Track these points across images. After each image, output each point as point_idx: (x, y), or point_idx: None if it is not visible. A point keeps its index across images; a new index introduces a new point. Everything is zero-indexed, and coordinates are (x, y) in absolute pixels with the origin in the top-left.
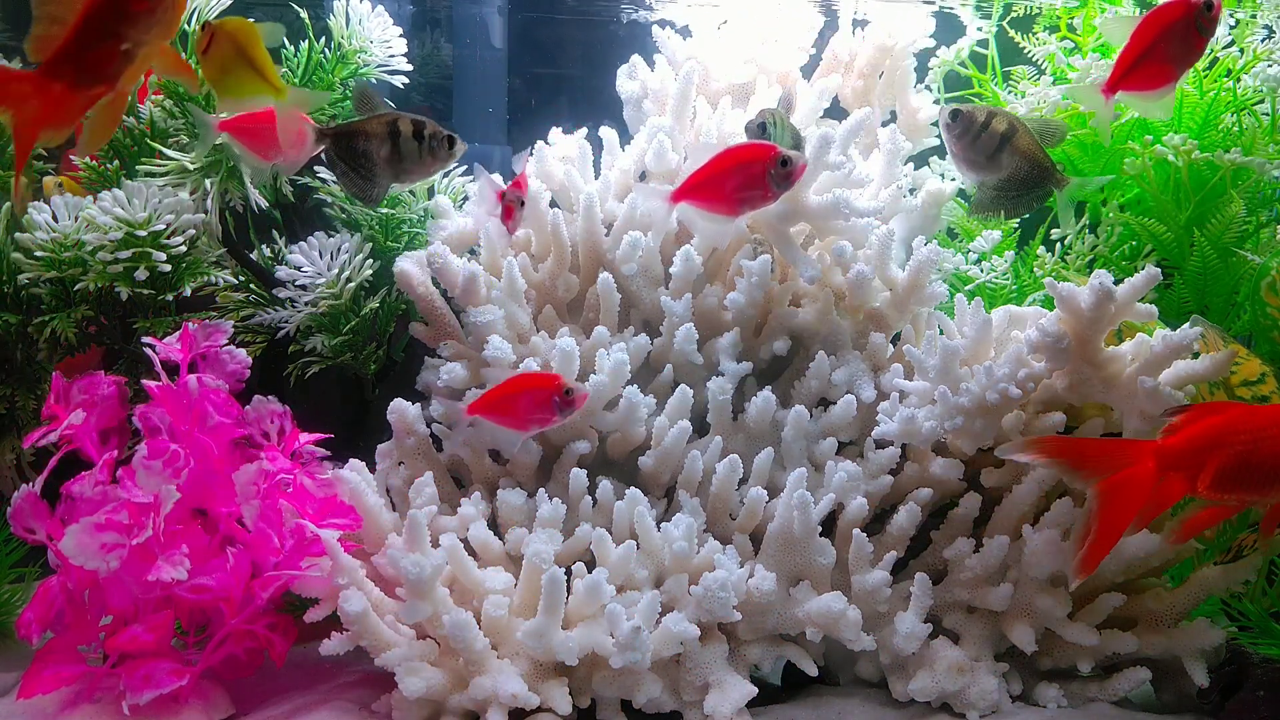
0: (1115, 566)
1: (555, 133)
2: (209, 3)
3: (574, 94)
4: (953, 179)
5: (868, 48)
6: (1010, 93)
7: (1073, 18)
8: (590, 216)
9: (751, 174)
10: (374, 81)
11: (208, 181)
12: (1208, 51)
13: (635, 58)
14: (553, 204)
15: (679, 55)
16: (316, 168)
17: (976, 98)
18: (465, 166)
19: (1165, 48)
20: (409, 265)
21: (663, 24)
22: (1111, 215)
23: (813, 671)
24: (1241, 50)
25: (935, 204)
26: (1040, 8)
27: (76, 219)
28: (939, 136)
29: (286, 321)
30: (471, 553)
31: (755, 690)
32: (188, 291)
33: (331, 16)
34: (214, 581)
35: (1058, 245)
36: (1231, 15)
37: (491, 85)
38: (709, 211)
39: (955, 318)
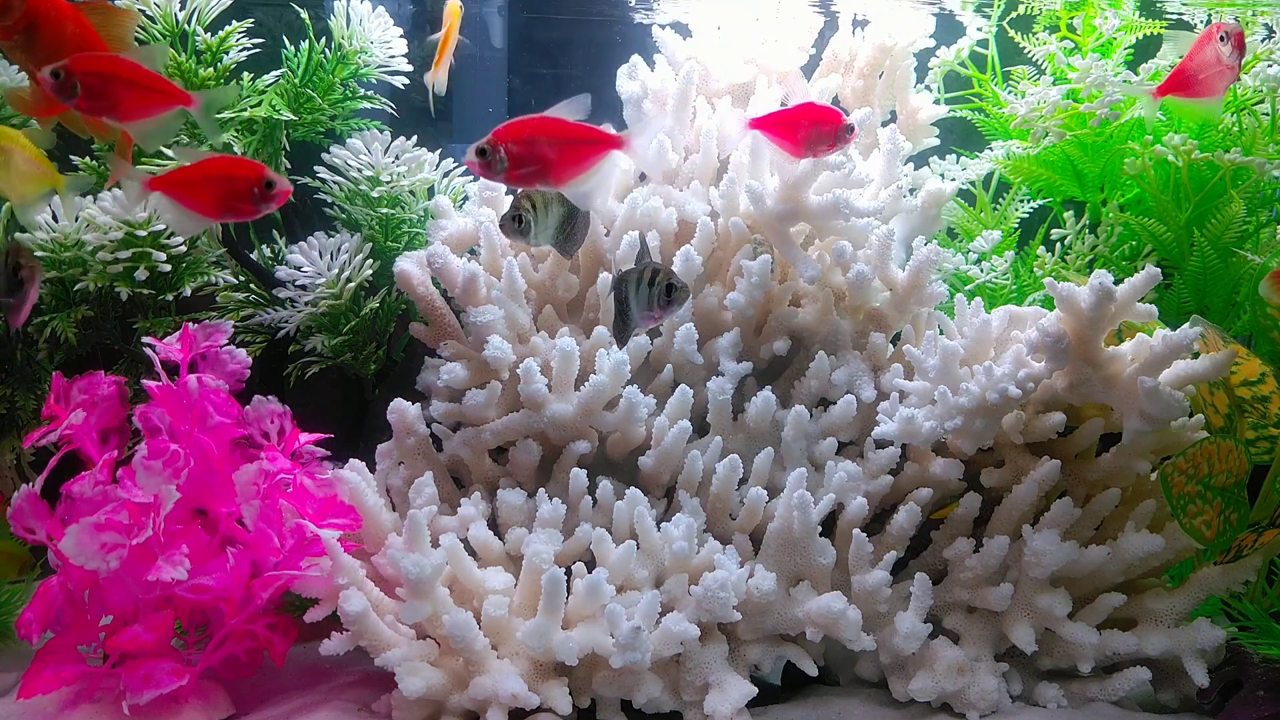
0: (1115, 567)
1: None
2: (209, 3)
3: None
4: (953, 179)
5: (868, 48)
6: (1010, 92)
7: (1072, 18)
8: None
9: (822, 133)
10: (374, 81)
11: None
12: None
13: (635, 58)
14: None
15: (679, 55)
16: (316, 167)
17: (976, 98)
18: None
19: None
20: (409, 265)
21: (663, 24)
22: (1111, 215)
23: (813, 671)
24: None
25: (935, 204)
26: (1040, 8)
27: (76, 219)
28: (939, 136)
29: (286, 321)
30: (471, 553)
31: (755, 690)
32: (188, 291)
33: (332, 17)
34: (214, 581)
35: (1058, 245)
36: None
37: (491, 85)
38: (777, 146)
39: (955, 318)
